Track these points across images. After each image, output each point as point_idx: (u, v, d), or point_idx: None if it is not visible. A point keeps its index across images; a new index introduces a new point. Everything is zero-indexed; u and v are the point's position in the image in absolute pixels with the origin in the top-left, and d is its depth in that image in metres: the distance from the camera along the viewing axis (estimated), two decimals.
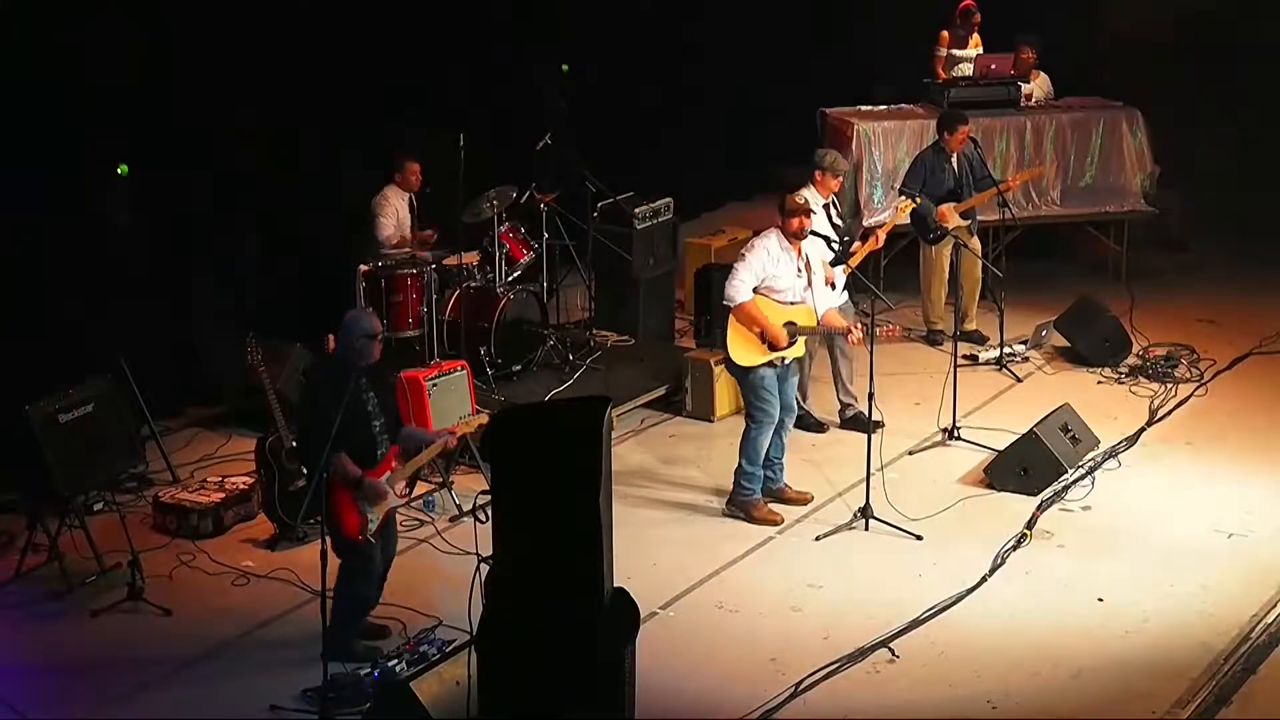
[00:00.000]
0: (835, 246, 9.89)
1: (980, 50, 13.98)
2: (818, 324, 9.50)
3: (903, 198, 11.45)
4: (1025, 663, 7.93)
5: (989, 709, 7.57)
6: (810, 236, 9.61)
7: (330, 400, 7.61)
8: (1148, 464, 10.27)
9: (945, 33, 14.10)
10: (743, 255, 9.33)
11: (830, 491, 9.84)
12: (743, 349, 9.30)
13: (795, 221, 9.29)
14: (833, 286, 10.00)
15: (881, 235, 10.74)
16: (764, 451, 9.47)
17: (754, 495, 9.50)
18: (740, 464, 9.50)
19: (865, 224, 12.45)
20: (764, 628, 8.32)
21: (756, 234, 9.53)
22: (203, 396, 10.98)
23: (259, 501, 9.40)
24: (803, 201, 9.46)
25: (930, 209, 11.62)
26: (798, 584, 8.75)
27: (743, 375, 9.40)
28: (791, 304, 9.35)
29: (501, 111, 12.54)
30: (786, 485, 9.72)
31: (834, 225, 10.36)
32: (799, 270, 9.37)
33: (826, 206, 10.38)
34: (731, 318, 9.28)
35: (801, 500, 9.68)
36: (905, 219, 11.42)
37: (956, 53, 14.03)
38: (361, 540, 7.83)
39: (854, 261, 10.34)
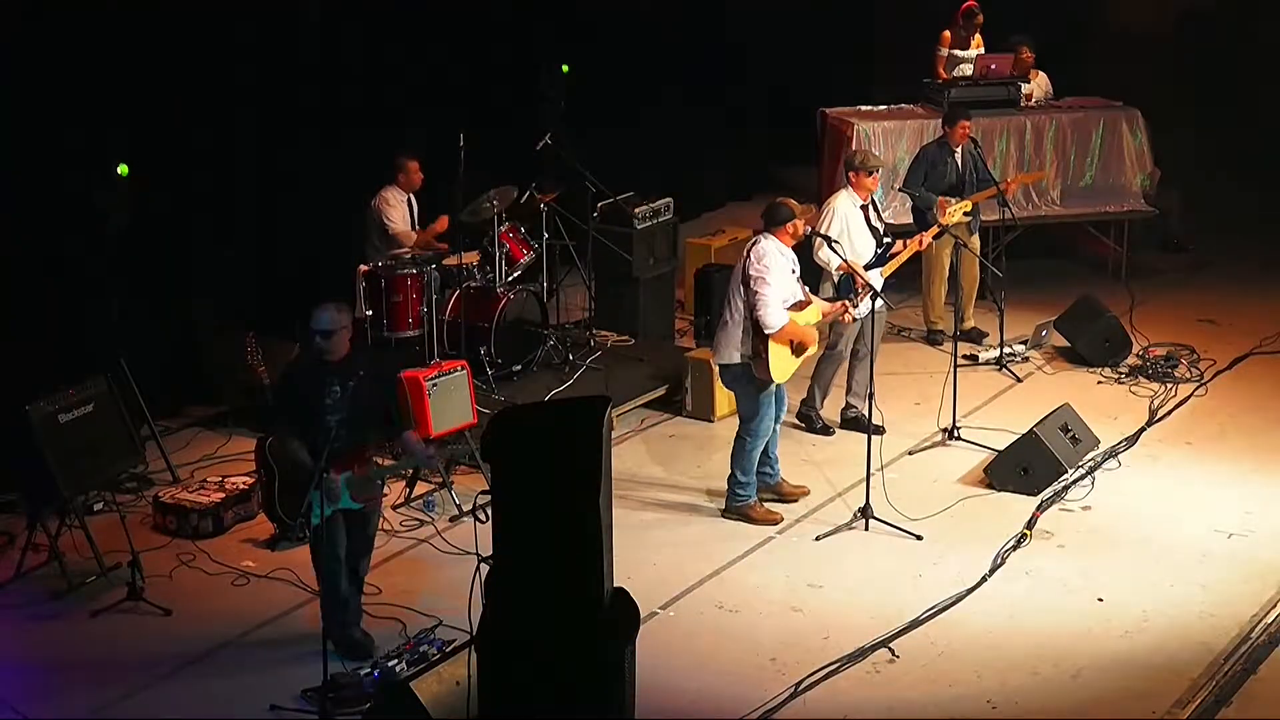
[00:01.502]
0: (840, 250, 9.84)
1: (982, 50, 13.98)
2: (820, 315, 9.51)
3: (961, 201, 11.37)
4: (1025, 663, 7.93)
5: (989, 709, 7.57)
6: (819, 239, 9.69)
7: (292, 393, 7.70)
8: (1148, 464, 10.27)
9: (947, 33, 14.09)
10: (761, 279, 9.04)
11: (830, 491, 9.83)
12: (781, 367, 9.22)
13: (792, 227, 9.24)
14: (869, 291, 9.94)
15: (926, 239, 10.66)
16: (757, 461, 9.48)
17: (750, 499, 9.49)
18: (734, 474, 9.46)
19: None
20: (764, 628, 8.31)
21: (753, 244, 9.25)
22: (203, 396, 10.98)
23: (259, 501, 9.38)
24: (795, 205, 9.37)
25: (931, 202, 11.59)
26: (798, 584, 8.75)
27: (758, 389, 9.28)
28: (798, 303, 9.32)
29: (501, 111, 12.54)
30: (783, 480, 9.71)
31: (872, 228, 10.30)
32: (793, 268, 9.36)
33: (864, 208, 10.29)
34: (771, 342, 9.10)
35: (798, 494, 9.67)
36: (954, 218, 11.32)
37: (958, 53, 14.03)
38: (291, 521, 7.81)
39: (894, 264, 10.27)
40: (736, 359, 9.25)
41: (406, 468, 8.15)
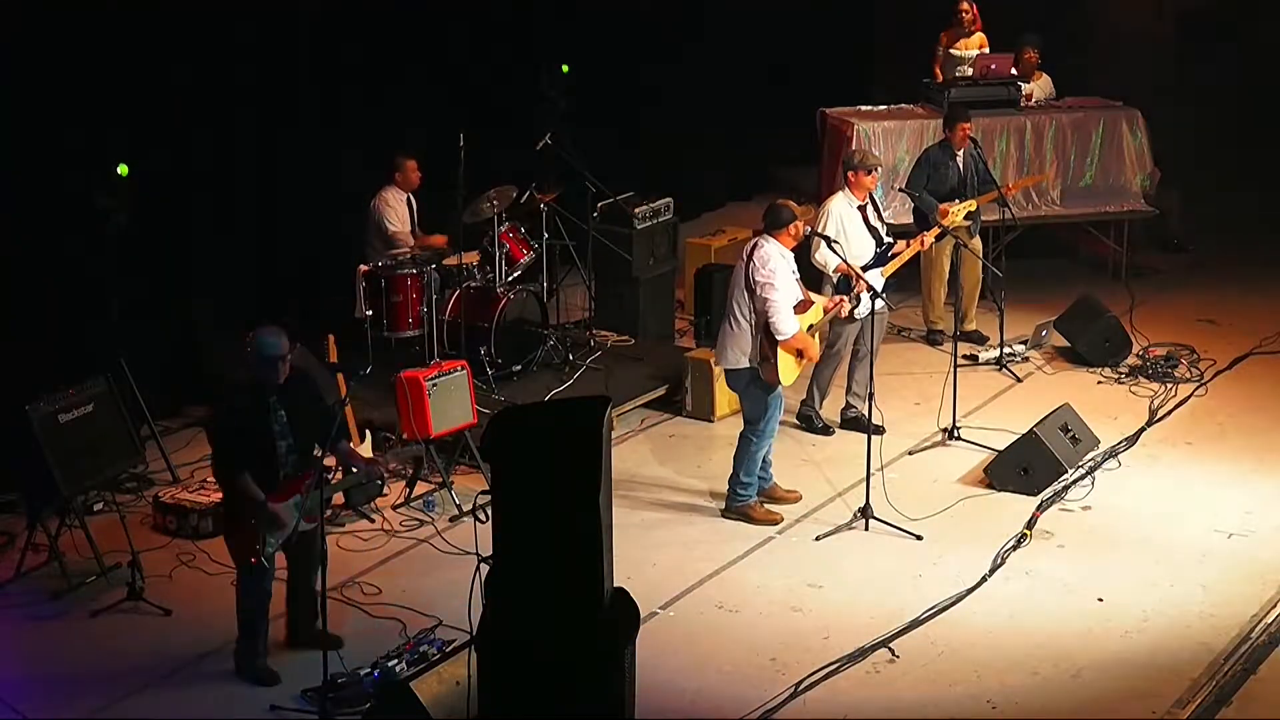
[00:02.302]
0: (840, 250, 9.84)
1: (985, 49, 13.97)
2: (823, 313, 9.51)
3: (963, 203, 11.34)
4: (1025, 663, 7.94)
5: (989, 709, 7.58)
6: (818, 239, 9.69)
7: (235, 418, 7.58)
8: (1148, 464, 10.27)
9: (946, 33, 14.10)
10: (769, 284, 9.04)
11: (830, 491, 9.83)
12: (788, 370, 9.24)
13: (794, 229, 9.25)
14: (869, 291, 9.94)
15: (927, 239, 10.62)
16: (760, 463, 9.48)
17: (751, 499, 9.50)
18: (737, 475, 9.46)
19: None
20: (764, 628, 8.32)
21: (754, 247, 9.21)
22: (203, 396, 10.97)
23: None
24: (795, 207, 9.38)
25: (933, 206, 11.58)
26: (798, 584, 8.75)
27: (764, 392, 9.27)
28: (800, 303, 9.31)
29: (502, 111, 12.54)
30: (776, 484, 9.71)
31: (871, 228, 10.28)
32: (793, 268, 9.37)
33: (863, 208, 10.28)
34: (781, 349, 9.13)
35: (791, 499, 9.66)
36: (955, 219, 11.24)
37: (958, 53, 14.03)
38: (254, 561, 7.63)
39: (895, 265, 10.25)
40: (744, 364, 9.24)
41: (356, 482, 8.05)
